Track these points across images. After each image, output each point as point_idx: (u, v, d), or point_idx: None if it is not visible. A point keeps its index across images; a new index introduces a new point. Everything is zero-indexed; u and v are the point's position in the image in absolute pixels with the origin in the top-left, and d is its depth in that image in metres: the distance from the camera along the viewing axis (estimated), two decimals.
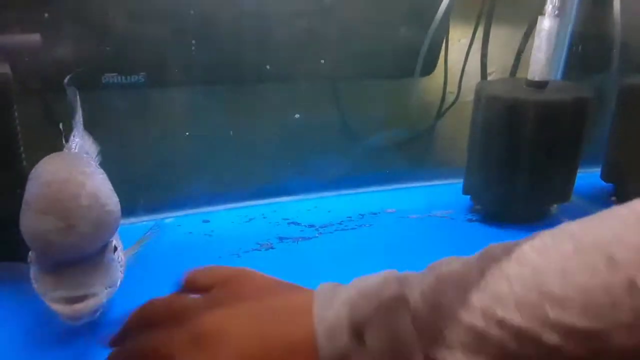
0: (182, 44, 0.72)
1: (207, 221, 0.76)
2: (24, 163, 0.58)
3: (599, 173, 0.88)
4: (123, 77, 0.71)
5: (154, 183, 0.77)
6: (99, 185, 0.47)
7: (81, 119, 0.63)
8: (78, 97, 0.64)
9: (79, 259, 0.44)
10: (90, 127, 0.63)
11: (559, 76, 0.97)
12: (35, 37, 0.65)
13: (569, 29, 0.95)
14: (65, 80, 0.61)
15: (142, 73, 0.72)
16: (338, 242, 0.72)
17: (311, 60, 0.81)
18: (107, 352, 0.45)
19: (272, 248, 0.69)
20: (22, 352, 0.50)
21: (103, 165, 0.56)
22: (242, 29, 0.75)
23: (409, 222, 0.78)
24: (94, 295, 0.44)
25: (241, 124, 0.81)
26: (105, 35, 0.68)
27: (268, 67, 0.77)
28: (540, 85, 0.73)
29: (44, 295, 0.44)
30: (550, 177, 0.75)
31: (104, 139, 0.64)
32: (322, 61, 0.80)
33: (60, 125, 0.60)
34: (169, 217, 0.77)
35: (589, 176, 0.87)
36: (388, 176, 0.90)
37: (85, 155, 0.57)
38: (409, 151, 0.95)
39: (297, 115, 0.83)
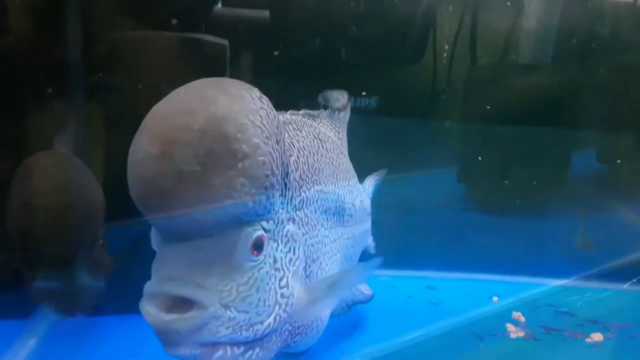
0: None
1: None
2: None
3: (594, 155, 0.87)
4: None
5: None
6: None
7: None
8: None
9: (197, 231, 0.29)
10: None
11: (549, 60, 0.95)
12: None
13: (559, 11, 0.93)
14: None
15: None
16: None
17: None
18: None
19: None
20: None
21: None
22: None
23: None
24: (201, 306, 0.29)
25: None
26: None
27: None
28: (531, 68, 0.72)
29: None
30: (545, 163, 0.74)
31: None
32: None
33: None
34: None
35: (585, 159, 0.86)
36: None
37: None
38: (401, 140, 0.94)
39: None
